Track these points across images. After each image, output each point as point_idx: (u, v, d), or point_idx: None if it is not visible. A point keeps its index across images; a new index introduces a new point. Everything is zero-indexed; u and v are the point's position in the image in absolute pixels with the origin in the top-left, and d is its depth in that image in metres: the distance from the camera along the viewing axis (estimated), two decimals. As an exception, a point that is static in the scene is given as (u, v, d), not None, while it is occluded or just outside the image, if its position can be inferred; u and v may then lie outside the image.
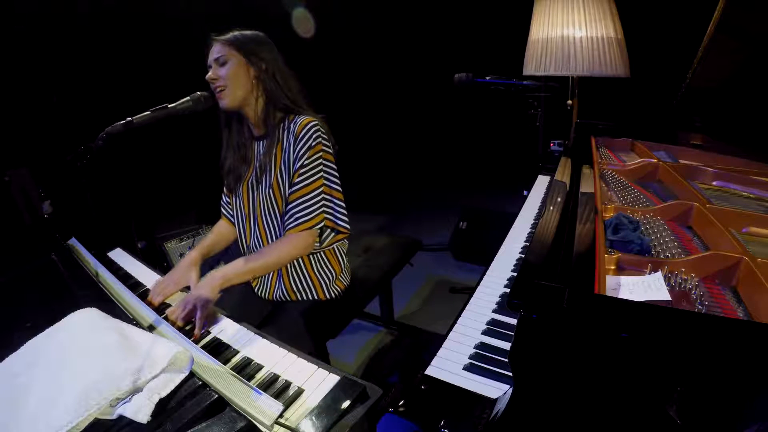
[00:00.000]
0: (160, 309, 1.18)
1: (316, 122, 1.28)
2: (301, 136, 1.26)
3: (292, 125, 1.29)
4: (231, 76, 1.26)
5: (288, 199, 1.29)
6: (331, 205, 1.31)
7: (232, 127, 1.39)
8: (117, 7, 2.70)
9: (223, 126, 1.40)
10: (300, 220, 1.27)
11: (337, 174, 1.33)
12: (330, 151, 1.31)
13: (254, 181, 1.36)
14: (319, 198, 1.28)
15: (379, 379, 1.98)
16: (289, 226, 1.28)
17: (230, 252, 1.59)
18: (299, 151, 1.26)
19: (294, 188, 1.28)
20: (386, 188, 4.61)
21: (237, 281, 1.23)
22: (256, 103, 1.32)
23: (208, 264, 2.03)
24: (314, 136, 1.26)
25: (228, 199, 1.52)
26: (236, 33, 1.30)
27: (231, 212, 1.51)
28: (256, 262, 1.25)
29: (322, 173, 1.28)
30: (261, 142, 1.36)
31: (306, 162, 1.26)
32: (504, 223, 1.67)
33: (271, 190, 1.32)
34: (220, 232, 1.53)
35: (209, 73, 1.28)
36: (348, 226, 1.35)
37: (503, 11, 3.45)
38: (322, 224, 1.29)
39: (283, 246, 1.28)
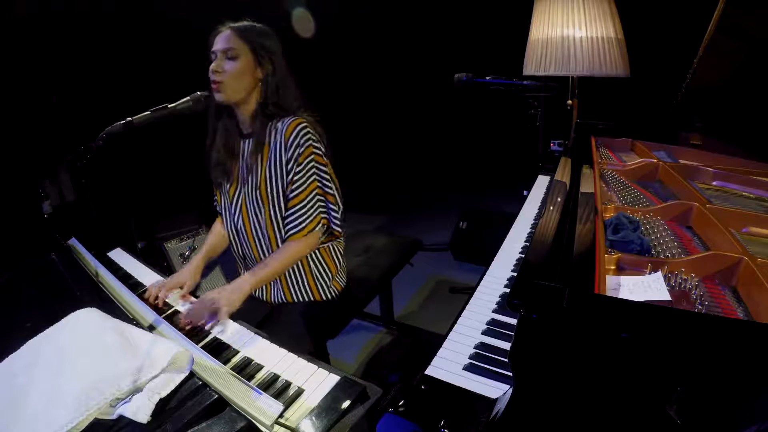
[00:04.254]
0: (161, 309, 1.19)
1: (305, 123, 1.26)
2: (291, 139, 1.24)
3: (280, 124, 1.27)
4: (237, 74, 1.22)
5: (287, 205, 1.29)
6: (326, 205, 1.32)
7: (223, 119, 1.35)
8: (117, 7, 2.70)
9: (213, 116, 1.35)
10: (301, 225, 1.27)
11: (328, 175, 1.31)
12: (321, 152, 1.29)
13: (241, 182, 1.35)
14: (315, 200, 1.28)
15: (379, 379, 1.98)
16: (291, 232, 1.28)
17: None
18: (291, 156, 1.25)
19: (292, 195, 1.27)
20: (386, 188, 4.60)
21: (261, 285, 1.30)
22: (252, 103, 1.29)
23: (209, 267, 2.00)
24: (305, 139, 1.24)
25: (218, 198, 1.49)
26: (248, 24, 1.26)
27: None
28: (272, 266, 1.25)
29: (315, 175, 1.28)
30: (248, 141, 1.34)
31: (299, 169, 1.26)
32: (504, 223, 1.67)
33: (258, 192, 1.31)
34: (219, 232, 1.51)
35: (213, 64, 1.22)
36: (340, 229, 1.35)
37: (503, 11, 3.45)
38: (320, 224, 1.29)
39: (288, 252, 1.28)
